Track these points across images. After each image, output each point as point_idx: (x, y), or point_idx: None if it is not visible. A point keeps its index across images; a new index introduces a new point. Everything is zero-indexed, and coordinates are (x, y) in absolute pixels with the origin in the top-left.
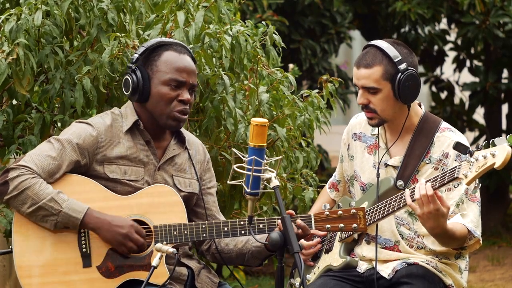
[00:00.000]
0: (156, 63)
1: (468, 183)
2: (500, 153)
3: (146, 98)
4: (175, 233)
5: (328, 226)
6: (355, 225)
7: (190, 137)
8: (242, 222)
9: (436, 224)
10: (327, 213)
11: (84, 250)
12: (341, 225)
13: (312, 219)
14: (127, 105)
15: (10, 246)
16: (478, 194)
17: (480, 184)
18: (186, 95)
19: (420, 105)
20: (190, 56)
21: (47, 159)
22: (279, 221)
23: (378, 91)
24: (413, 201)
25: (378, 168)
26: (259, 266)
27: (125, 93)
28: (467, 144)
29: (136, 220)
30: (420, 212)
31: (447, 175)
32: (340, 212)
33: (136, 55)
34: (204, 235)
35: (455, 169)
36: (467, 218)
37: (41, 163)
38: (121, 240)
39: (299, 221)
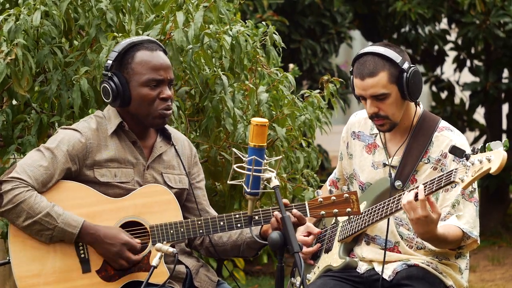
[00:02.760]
0: (131, 66)
1: (465, 187)
2: (495, 158)
3: (128, 102)
4: (171, 231)
5: (323, 212)
6: (348, 209)
7: (175, 133)
8: (237, 216)
9: (426, 230)
10: (321, 199)
11: (82, 255)
12: (335, 210)
13: (307, 207)
14: (110, 108)
15: (8, 258)
16: (476, 194)
17: (476, 188)
18: (167, 92)
19: (418, 104)
20: (163, 51)
21: (39, 169)
22: (276, 212)
23: (387, 96)
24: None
25: (390, 168)
26: (255, 255)
27: (106, 101)
28: (466, 144)
29: (131, 222)
30: (409, 217)
31: (444, 178)
32: (333, 197)
33: (110, 61)
34: (201, 231)
35: (452, 173)
36: (462, 219)
37: (34, 173)
38: (112, 257)
39: (295, 210)
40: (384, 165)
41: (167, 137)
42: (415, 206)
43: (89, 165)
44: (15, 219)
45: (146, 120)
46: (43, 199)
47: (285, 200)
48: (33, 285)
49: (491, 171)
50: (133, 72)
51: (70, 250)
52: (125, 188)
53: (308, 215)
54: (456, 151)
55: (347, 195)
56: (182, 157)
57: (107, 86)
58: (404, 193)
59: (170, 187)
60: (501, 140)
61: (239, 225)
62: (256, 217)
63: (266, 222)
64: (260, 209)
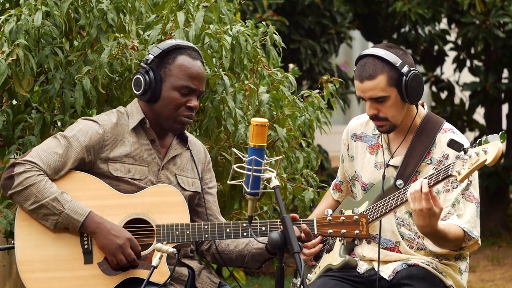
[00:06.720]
0: (170, 67)
1: (461, 180)
2: (491, 150)
3: (156, 99)
4: (177, 232)
5: (331, 231)
6: (357, 231)
7: (192, 138)
8: (244, 224)
9: (427, 223)
10: (330, 218)
11: (86, 246)
12: (343, 230)
13: (315, 224)
14: (133, 104)
15: (13, 241)
16: (477, 194)
17: (472, 181)
18: (194, 102)
19: (423, 106)
20: (202, 62)
21: (53, 156)
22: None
23: (386, 99)
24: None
25: (385, 169)
26: (258, 268)
27: (136, 92)
28: (467, 144)
29: (138, 219)
30: (412, 208)
31: (442, 172)
32: (342, 218)
33: (152, 56)
34: (206, 235)
35: (449, 167)
36: (463, 218)
37: (47, 159)
38: (113, 250)
39: (304, 225)
40: (387, 165)
41: (183, 140)
42: (420, 196)
43: (104, 159)
44: (23, 202)
45: (166, 122)
46: (53, 185)
47: (294, 215)
48: (33, 270)
49: (486, 162)
50: (170, 74)
51: (74, 240)
52: (138, 185)
53: (316, 231)
54: (454, 145)
55: (357, 217)
56: (197, 162)
57: (141, 78)
58: (407, 187)
59: (184, 189)
60: None
61: (245, 233)
62: (263, 228)
63: None
64: (267, 220)
